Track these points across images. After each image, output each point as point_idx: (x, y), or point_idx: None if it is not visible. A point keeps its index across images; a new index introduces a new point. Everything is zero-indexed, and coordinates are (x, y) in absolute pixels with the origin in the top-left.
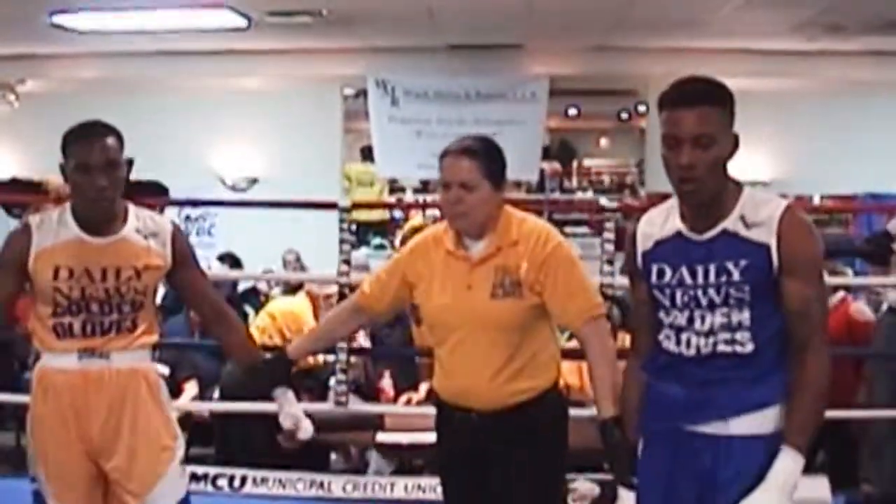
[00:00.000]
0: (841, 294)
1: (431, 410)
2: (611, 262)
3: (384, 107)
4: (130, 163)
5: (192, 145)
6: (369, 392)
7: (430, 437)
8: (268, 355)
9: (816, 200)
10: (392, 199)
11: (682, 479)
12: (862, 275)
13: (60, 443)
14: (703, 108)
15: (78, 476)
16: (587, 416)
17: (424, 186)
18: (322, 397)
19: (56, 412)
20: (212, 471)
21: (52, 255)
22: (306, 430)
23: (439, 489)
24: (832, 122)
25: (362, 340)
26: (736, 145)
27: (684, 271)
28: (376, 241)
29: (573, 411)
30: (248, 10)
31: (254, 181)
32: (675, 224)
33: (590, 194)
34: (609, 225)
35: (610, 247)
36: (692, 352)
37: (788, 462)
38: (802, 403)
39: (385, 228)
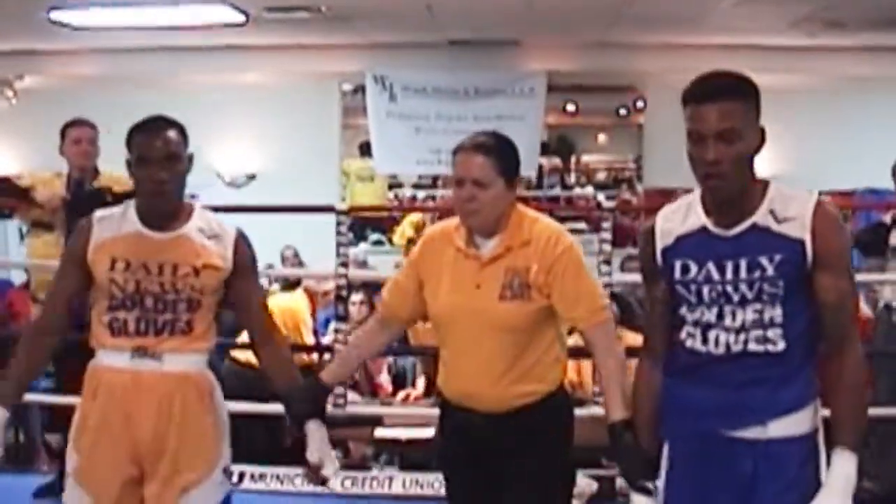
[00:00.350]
0: None
1: (427, 409)
2: (608, 262)
3: (382, 102)
4: (191, 159)
5: (190, 141)
6: (367, 388)
7: (429, 433)
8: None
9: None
10: (391, 195)
11: (718, 485)
12: (856, 270)
13: (105, 443)
14: (726, 102)
15: (117, 478)
16: (585, 413)
17: (434, 182)
18: None
19: (104, 412)
20: None
21: (110, 247)
22: (331, 469)
23: (437, 485)
24: (831, 118)
25: None
26: (763, 139)
27: (711, 267)
28: (374, 237)
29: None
30: (245, 5)
31: (252, 177)
32: (699, 219)
33: (588, 190)
34: (606, 224)
35: (607, 245)
36: (721, 350)
37: (846, 463)
38: (849, 400)
39: (383, 224)
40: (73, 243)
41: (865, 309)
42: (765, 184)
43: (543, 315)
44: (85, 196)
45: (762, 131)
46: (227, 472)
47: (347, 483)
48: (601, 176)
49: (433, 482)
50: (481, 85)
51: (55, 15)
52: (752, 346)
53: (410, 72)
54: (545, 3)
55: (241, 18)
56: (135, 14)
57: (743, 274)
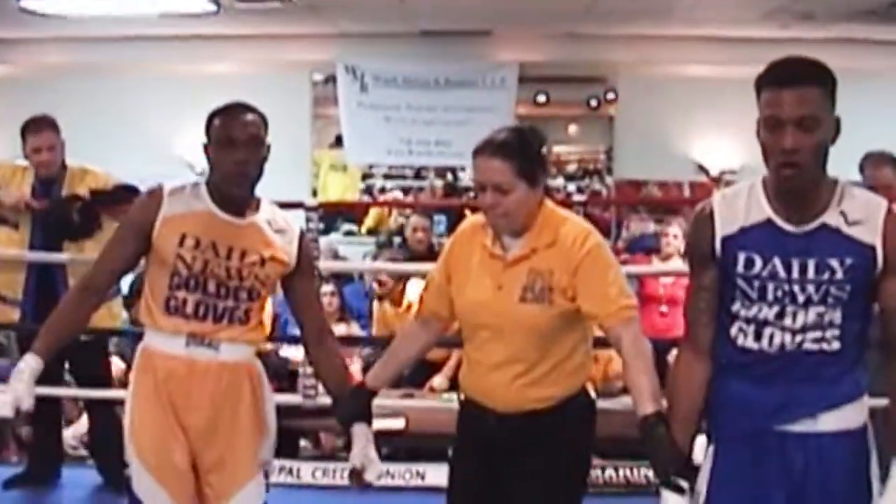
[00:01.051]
0: None
1: (398, 400)
2: None
3: (353, 93)
4: (268, 147)
5: (161, 131)
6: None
7: (399, 423)
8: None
9: None
10: (362, 186)
11: (770, 481)
12: None
13: (160, 426)
14: (807, 88)
15: (173, 461)
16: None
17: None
18: (292, 388)
19: (155, 395)
20: None
21: (181, 223)
22: (374, 473)
23: (409, 476)
24: None
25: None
26: (838, 130)
27: (777, 263)
28: (345, 227)
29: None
30: None
31: None
32: (765, 211)
33: (559, 181)
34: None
35: None
36: (774, 349)
37: None
38: None
39: (354, 214)
40: (139, 213)
41: None
42: (834, 181)
43: (566, 320)
44: (55, 205)
45: (837, 121)
46: (267, 472)
47: (318, 474)
48: (572, 167)
49: (404, 473)
50: (452, 75)
51: (25, 3)
52: (808, 346)
53: (382, 62)
54: None
55: (212, 8)
56: (106, 3)
57: (811, 275)
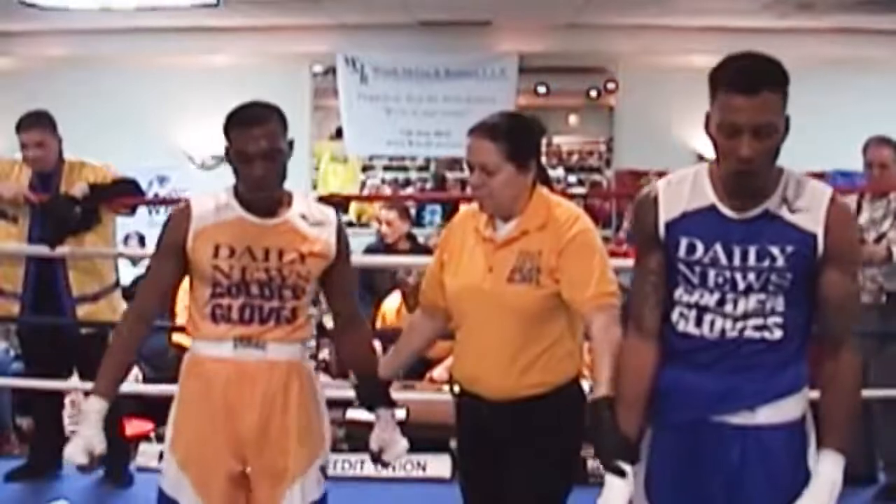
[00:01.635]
0: None
1: (398, 392)
2: None
3: (353, 84)
4: (291, 145)
5: (161, 123)
6: (339, 370)
7: (399, 414)
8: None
9: None
10: (363, 177)
11: (706, 471)
12: None
13: (206, 435)
14: (766, 94)
15: (219, 472)
16: None
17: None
18: None
19: (206, 404)
20: None
21: (212, 234)
22: (394, 453)
23: (410, 467)
24: (802, 100)
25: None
26: (787, 127)
27: (719, 249)
28: (345, 218)
29: None
30: None
31: (223, 159)
32: (708, 196)
33: (560, 172)
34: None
35: None
36: (715, 335)
37: (833, 467)
38: (841, 402)
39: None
40: (170, 230)
41: None
42: (780, 169)
43: (554, 303)
44: (53, 204)
45: (787, 119)
46: (323, 469)
47: None
48: (572, 158)
49: (405, 464)
50: (452, 66)
51: None
52: (749, 334)
53: (381, 53)
54: None
55: (212, 0)
56: None
57: (752, 261)
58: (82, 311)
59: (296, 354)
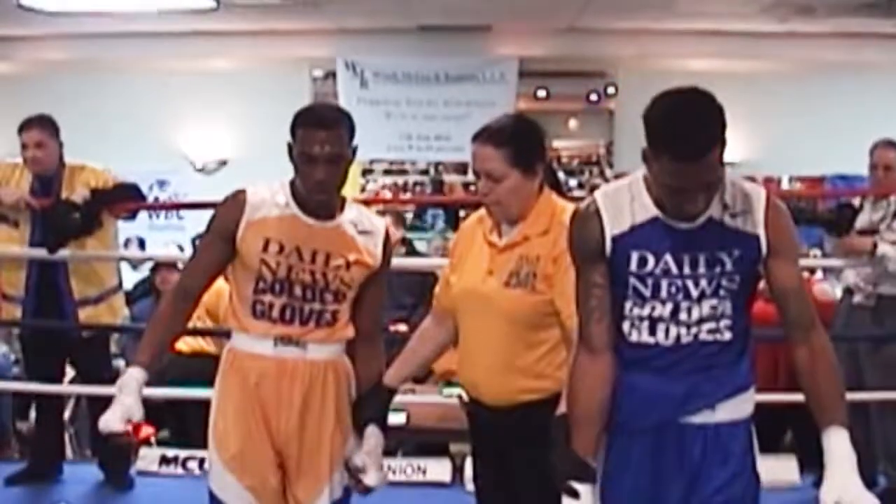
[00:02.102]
0: (805, 275)
1: (399, 395)
2: None
3: (353, 88)
4: (355, 151)
5: (161, 127)
6: None
7: (400, 418)
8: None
9: (785, 181)
10: (363, 181)
11: (668, 474)
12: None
13: (246, 430)
14: (710, 155)
15: (262, 466)
16: None
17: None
18: None
19: (245, 399)
20: (182, 453)
21: (264, 227)
22: (373, 479)
23: (410, 471)
24: (802, 104)
25: None
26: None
27: (669, 260)
28: None
29: None
30: None
31: (223, 163)
32: (649, 209)
33: (559, 176)
34: None
35: None
36: (670, 342)
37: (844, 441)
38: (831, 380)
39: None
40: (222, 217)
41: (829, 292)
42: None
43: (549, 309)
44: (54, 210)
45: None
46: (358, 466)
47: None
48: (572, 162)
49: (405, 468)
50: (452, 71)
51: (26, 1)
52: (704, 337)
53: (381, 57)
54: None
55: (212, 4)
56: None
57: (702, 269)
58: (84, 314)
59: (336, 354)
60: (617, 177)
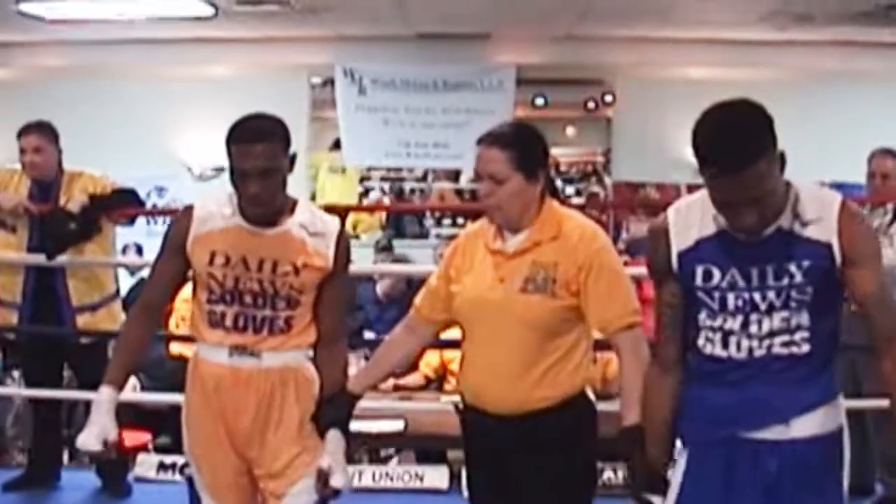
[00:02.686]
0: None
1: (395, 402)
2: None
3: (351, 95)
4: (293, 159)
5: (159, 134)
6: None
7: (398, 426)
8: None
9: None
10: (361, 188)
11: (741, 489)
12: None
13: (209, 434)
14: (752, 168)
15: (226, 468)
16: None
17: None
18: None
19: (205, 404)
20: (179, 460)
21: (209, 240)
22: (339, 480)
23: (407, 478)
24: (800, 112)
25: None
26: (783, 160)
27: (736, 273)
28: None
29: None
30: None
31: (220, 170)
32: (718, 221)
33: (557, 183)
34: None
35: None
36: (743, 355)
37: None
38: None
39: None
40: (173, 230)
41: None
42: (787, 184)
43: (567, 316)
44: (52, 217)
45: (782, 154)
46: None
47: None
48: (570, 170)
49: (403, 475)
50: (450, 78)
51: (24, 6)
52: (777, 350)
53: (379, 65)
54: None
55: (210, 11)
56: (104, 6)
57: (770, 281)
58: (82, 320)
59: (293, 361)
60: (615, 185)
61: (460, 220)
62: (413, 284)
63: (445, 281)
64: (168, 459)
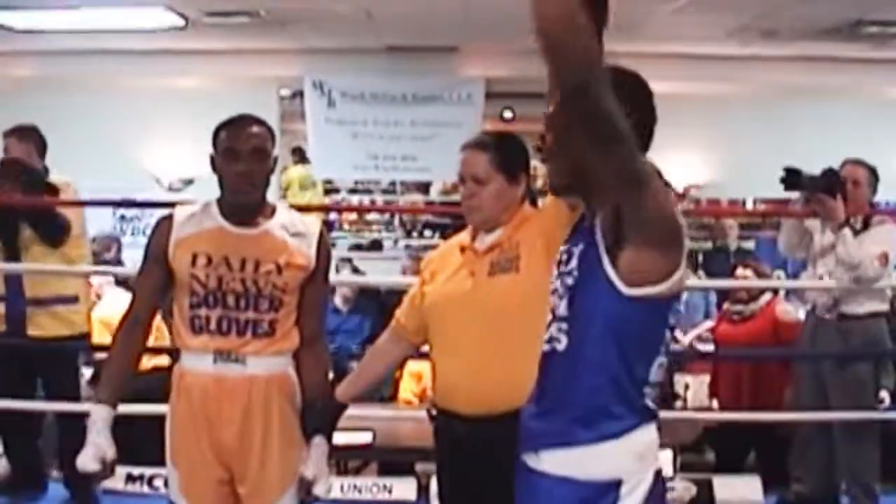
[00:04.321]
0: (768, 295)
1: (364, 411)
2: None
3: (321, 108)
4: (275, 160)
5: (128, 145)
6: None
7: (366, 437)
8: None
9: (750, 203)
10: (327, 201)
11: None
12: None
13: (192, 445)
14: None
15: (209, 479)
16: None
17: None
18: None
19: (189, 415)
20: (147, 471)
21: (191, 243)
22: (323, 487)
23: (375, 490)
24: (765, 126)
25: None
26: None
27: None
28: None
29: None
30: (185, 9)
31: (189, 182)
32: None
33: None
34: None
35: None
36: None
37: None
38: None
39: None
40: (154, 240)
41: (792, 312)
42: None
43: (536, 292)
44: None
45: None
46: (311, 481)
47: None
48: (539, 183)
49: (371, 487)
50: (419, 91)
51: None
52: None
53: (349, 77)
54: (483, 10)
55: (180, 22)
56: (74, 17)
57: None
58: (35, 319)
59: (278, 367)
60: None
61: (427, 233)
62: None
63: (420, 284)
64: (136, 471)
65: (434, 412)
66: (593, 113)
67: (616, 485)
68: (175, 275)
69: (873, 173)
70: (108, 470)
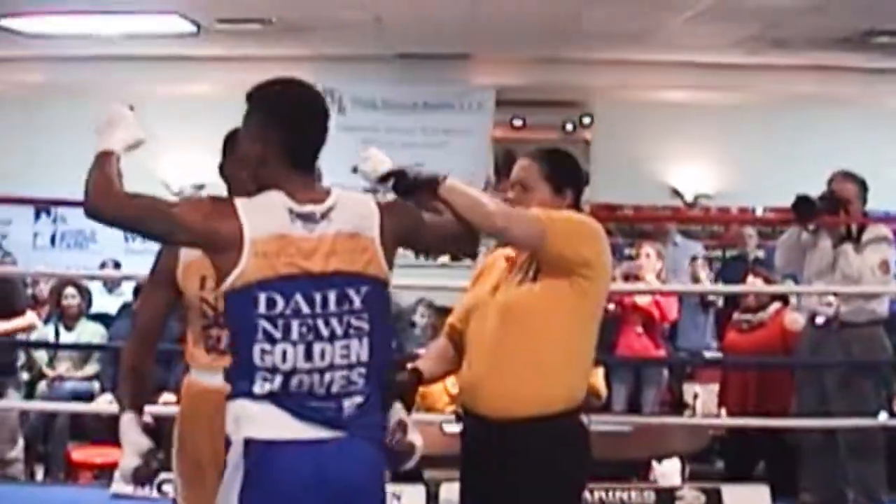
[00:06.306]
0: (777, 304)
1: None
2: None
3: (331, 115)
4: None
5: (139, 151)
6: None
7: None
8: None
9: (759, 211)
10: None
11: None
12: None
13: (198, 460)
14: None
15: (213, 491)
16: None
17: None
18: None
19: (196, 429)
20: (157, 476)
21: (200, 266)
22: (417, 438)
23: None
24: (775, 135)
25: None
26: None
27: None
28: None
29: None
30: (197, 16)
31: (200, 188)
32: None
33: None
34: None
35: None
36: None
37: None
38: None
39: None
40: (163, 261)
41: (800, 321)
42: None
43: (554, 298)
44: None
45: None
46: None
47: None
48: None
49: None
50: (430, 99)
51: (4, 22)
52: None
53: (359, 85)
54: (494, 19)
55: (192, 29)
56: (86, 23)
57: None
58: None
59: None
60: (592, 207)
61: None
62: None
63: (469, 290)
64: None
65: (461, 413)
66: None
67: None
68: (185, 296)
69: (863, 185)
70: (149, 463)
